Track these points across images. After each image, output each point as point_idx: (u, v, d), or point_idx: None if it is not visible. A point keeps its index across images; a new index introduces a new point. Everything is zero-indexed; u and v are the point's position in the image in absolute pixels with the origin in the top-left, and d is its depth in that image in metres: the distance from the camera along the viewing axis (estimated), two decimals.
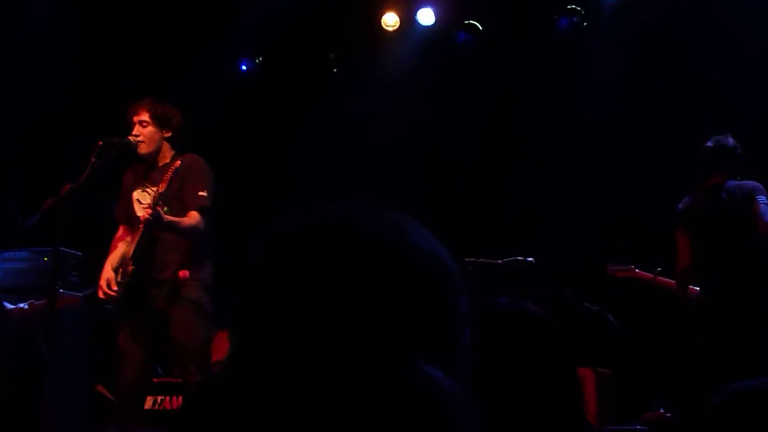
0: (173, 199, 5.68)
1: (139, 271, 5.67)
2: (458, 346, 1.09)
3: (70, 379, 7.30)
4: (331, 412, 0.96)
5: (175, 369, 6.08)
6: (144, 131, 5.84)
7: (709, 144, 6.06)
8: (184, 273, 5.70)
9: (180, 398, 6.87)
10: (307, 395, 0.97)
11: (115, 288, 5.72)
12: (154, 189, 5.74)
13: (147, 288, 5.70)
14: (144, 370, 5.80)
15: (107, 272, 5.80)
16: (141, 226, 5.60)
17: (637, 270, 6.93)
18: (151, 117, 5.85)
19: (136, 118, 5.85)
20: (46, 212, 5.36)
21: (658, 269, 6.73)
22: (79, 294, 7.06)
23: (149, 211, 5.45)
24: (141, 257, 5.69)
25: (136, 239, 5.70)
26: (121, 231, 6.03)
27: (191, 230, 5.70)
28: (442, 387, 0.98)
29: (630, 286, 7.04)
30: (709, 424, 1.82)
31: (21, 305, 7.16)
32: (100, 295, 5.79)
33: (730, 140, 6.06)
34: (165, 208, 5.49)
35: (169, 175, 5.65)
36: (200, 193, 5.74)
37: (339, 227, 1.08)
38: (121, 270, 5.78)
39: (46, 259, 7.73)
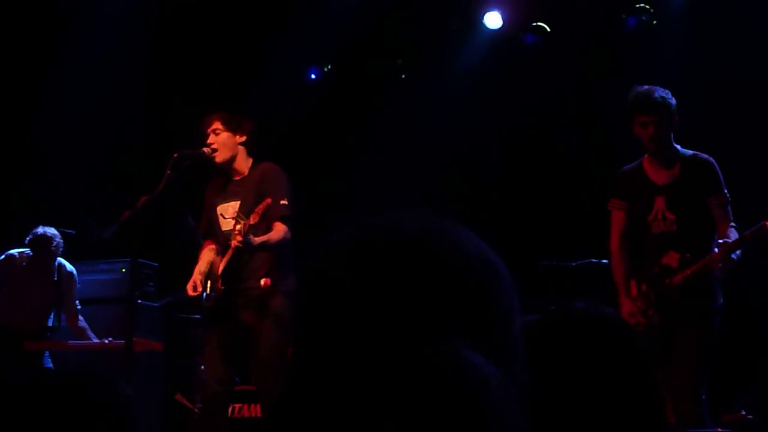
0: (253, 210, 5.72)
1: (228, 287, 5.75)
2: (506, 343, 1.15)
3: (147, 389, 7.40)
4: (382, 400, 1.02)
5: (252, 377, 6.13)
6: (218, 139, 5.91)
7: None
8: (266, 281, 5.74)
9: (257, 407, 6.93)
10: (361, 386, 1.04)
11: (200, 290, 5.82)
12: (237, 203, 5.84)
13: (234, 300, 5.77)
14: (226, 378, 5.86)
15: (195, 275, 5.91)
16: (231, 243, 5.61)
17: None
18: (223, 123, 5.92)
19: (209, 129, 5.92)
20: (123, 224, 5.44)
21: None
22: (159, 340, 7.16)
23: (239, 237, 5.49)
24: (230, 275, 5.76)
25: (227, 257, 5.75)
26: (206, 245, 6.10)
27: (280, 243, 5.75)
28: (483, 370, 1.03)
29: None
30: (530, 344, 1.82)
31: (104, 341, 7.30)
32: (189, 294, 5.88)
33: None
34: (249, 230, 5.54)
35: (253, 188, 5.77)
36: (282, 202, 5.77)
37: (386, 233, 1.16)
38: (209, 282, 5.86)
39: (123, 270, 7.88)
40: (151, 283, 8.15)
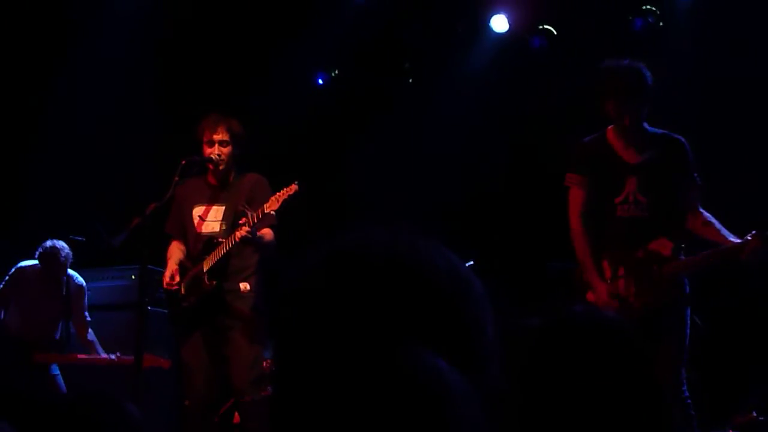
0: (239, 216, 5.75)
1: (218, 284, 5.77)
2: (476, 352, 1.19)
3: (157, 393, 7.41)
4: (353, 406, 1.07)
5: (232, 379, 6.13)
6: (225, 151, 5.90)
7: None
8: (244, 285, 5.79)
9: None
10: (333, 391, 1.10)
11: (178, 279, 5.83)
12: (222, 207, 5.86)
13: (218, 298, 5.79)
14: (212, 380, 5.87)
15: (170, 267, 5.97)
16: (237, 234, 5.60)
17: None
18: (230, 137, 5.92)
19: (216, 137, 5.89)
20: (133, 231, 5.46)
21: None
22: (168, 358, 7.16)
23: (247, 228, 5.51)
24: (218, 272, 5.77)
25: (214, 254, 5.76)
26: (174, 245, 6.12)
27: (271, 246, 5.83)
28: (445, 374, 1.08)
29: (713, 281, 6.91)
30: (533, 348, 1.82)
31: (110, 356, 7.31)
32: (165, 283, 5.91)
33: None
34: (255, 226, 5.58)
35: (242, 196, 5.79)
36: (271, 213, 5.81)
37: (356, 251, 1.22)
38: (182, 284, 5.89)
39: (133, 276, 7.89)
40: (160, 290, 8.16)
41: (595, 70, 5.26)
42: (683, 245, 5.16)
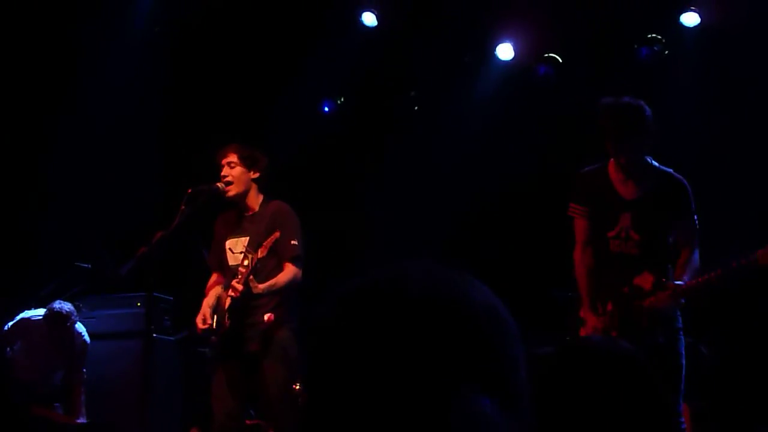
0: (264, 245, 5.76)
1: (235, 321, 5.77)
2: (514, 389, 1.18)
3: (164, 421, 7.40)
4: None
5: (261, 413, 6.15)
6: (232, 172, 5.95)
7: None
8: (269, 317, 5.78)
9: None
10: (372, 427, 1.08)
11: (210, 322, 5.84)
12: (246, 238, 5.87)
13: (241, 334, 5.78)
14: (237, 412, 5.88)
15: (203, 308, 5.93)
16: (230, 293, 5.67)
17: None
18: (239, 158, 5.97)
19: (224, 161, 5.97)
20: (139, 259, 5.47)
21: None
22: (176, 374, 7.15)
23: (239, 287, 5.56)
24: (237, 309, 5.78)
25: (233, 293, 5.77)
26: (214, 277, 6.15)
27: (289, 286, 5.82)
28: (488, 413, 1.08)
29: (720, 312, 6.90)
30: (544, 375, 1.82)
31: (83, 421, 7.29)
32: (199, 328, 5.91)
33: None
34: (252, 271, 5.60)
35: (265, 223, 5.80)
36: (292, 242, 5.84)
37: (392, 287, 1.19)
38: (216, 316, 5.89)
39: (139, 304, 7.89)
40: (167, 317, 8.17)
41: (596, 106, 5.18)
42: (664, 280, 5.07)
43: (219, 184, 5.90)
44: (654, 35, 8.54)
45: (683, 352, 5.14)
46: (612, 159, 5.29)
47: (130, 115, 8.83)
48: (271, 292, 5.75)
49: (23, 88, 8.88)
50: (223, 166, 5.97)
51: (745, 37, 8.11)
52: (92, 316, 8.12)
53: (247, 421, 6.78)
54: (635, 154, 5.12)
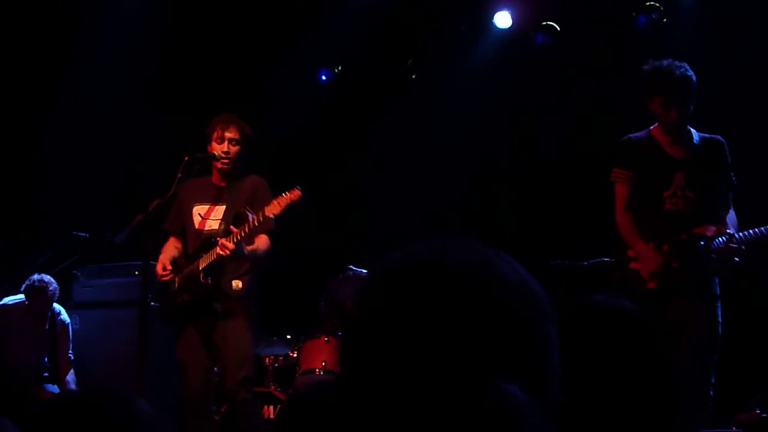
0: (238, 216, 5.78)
1: (213, 283, 5.78)
2: (545, 372, 1.18)
3: (161, 388, 7.42)
4: (421, 425, 1.07)
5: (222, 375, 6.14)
6: (233, 150, 5.92)
7: None
8: (237, 283, 5.80)
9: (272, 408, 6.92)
10: (402, 411, 1.09)
11: (170, 268, 5.87)
12: (223, 207, 5.89)
13: (212, 296, 5.81)
14: (207, 377, 5.90)
15: (162, 259, 5.99)
16: (218, 250, 5.63)
17: None
18: (241, 137, 5.93)
19: (227, 134, 5.91)
20: (135, 227, 5.47)
21: None
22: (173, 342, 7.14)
23: (230, 245, 5.55)
24: (213, 270, 5.79)
25: (211, 254, 5.75)
26: (171, 241, 6.14)
27: (266, 255, 5.85)
28: (518, 401, 1.07)
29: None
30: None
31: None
32: (159, 274, 5.93)
33: None
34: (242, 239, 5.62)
35: (243, 197, 5.83)
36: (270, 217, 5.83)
37: (433, 264, 1.19)
38: (176, 280, 5.92)
39: (136, 273, 7.89)
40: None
41: (639, 72, 5.39)
42: (726, 228, 5.28)
43: (221, 153, 5.86)
44: (652, 3, 8.50)
45: (720, 321, 5.28)
46: (655, 126, 5.45)
47: (126, 84, 8.80)
48: (254, 257, 5.76)
49: (19, 57, 8.85)
50: (225, 139, 5.91)
51: (743, 4, 8.07)
52: (90, 285, 8.13)
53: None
54: (682, 111, 5.29)
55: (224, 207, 5.92)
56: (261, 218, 5.46)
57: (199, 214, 5.99)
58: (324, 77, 9.94)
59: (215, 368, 6.02)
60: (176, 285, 5.92)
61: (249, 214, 5.52)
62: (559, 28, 8.93)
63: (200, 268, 5.79)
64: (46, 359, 7.51)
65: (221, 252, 5.57)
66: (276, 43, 9.27)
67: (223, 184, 6.01)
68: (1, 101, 8.82)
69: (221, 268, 5.80)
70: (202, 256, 5.81)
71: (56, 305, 7.51)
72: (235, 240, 5.55)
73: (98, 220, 7.47)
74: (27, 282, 7.29)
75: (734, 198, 5.45)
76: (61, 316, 7.56)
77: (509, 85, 9.23)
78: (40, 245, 7.86)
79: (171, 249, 6.07)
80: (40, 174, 8.88)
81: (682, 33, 8.39)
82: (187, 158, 5.73)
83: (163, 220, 6.01)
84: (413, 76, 9.74)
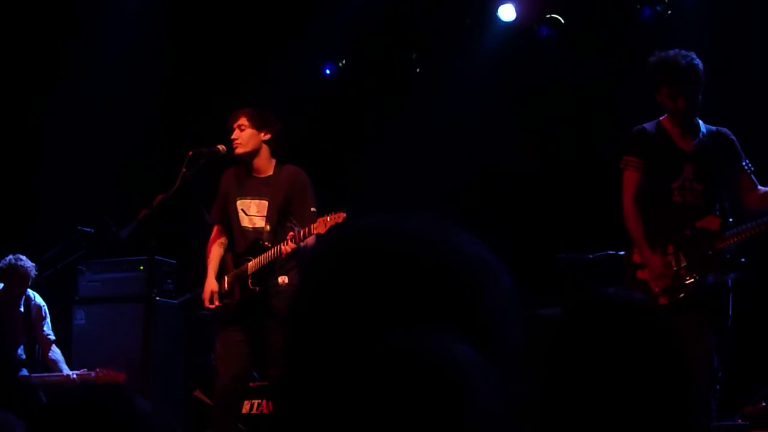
0: (281, 212, 5.83)
1: (263, 287, 5.81)
2: (498, 344, 1.16)
3: (167, 384, 7.42)
4: (365, 387, 1.05)
5: (267, 373, 6.18)
6: (242, 134, 5.97)
7: None
8: (283, 279, 5.81)
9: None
10: (347, 379, 1.07)
11: (218, 303, 5.87)
12: (264, 202, 5.93)
13: (261, 298, 5.83)
14: (243, 374, 5.90)
15: (211, 284, 5.94)
16: (283, 248, 5.67)
17: None
18: (248, 119, 5.98)
19: (235, 125, 5.98)
20: (140, 222, 5.47)
21: None
22: (178, 336, 7.14)
23: (293, 245, 5.60)
24: (262, 275, 5.81)
25: (262, 257, 5.79)
26: (215, 232, 6.14)
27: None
28: (463, 356, 1.06)
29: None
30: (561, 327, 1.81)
31: (71, 374, 7.23)
32: (206, 305, 5.94)
33: None
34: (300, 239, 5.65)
35: (283, 189, 5.88)
36: (312, 209, 5.87)
37: (384, 230, 1.19)
38: (225, 279, 5.91)
39: (141, 267, 7.90)
40: (169, 281, 8.18)
41: (646, 64, 5.39)
42: (731, 219, 5.28)
43: (220, 146, 5.89)
44: None
45: (731, 307, 5.29)
46: (664, 117, 5.46)
47: (131, 78, 8.80)
48: (305, 254, 5.79)
49: (23, 50, 8.85)
50: (234, 130, 5.99)
51: None
52: (95, 280, 8.14)
53: (251, 383, 6.80)
54: (691, 101, 5.30)
55: (266, 203, 5.95)
56: (307, 233, 5.54)
57: (242, 210, 6.01)
58: (328, 71, 9.93)
59: (252, 370, 6.07)
60: (226, 286, 5.95)
61: (296, 229, 5.58)
62: (563, 21, 8.91)
63: (248, 273, 5.82)
64: (21, 347, 7.48)
65: (286, 249, 5.61)
66: (280, 38, 9.26)
67: (259, 176, 6.04)
68: (6, 97, 8.83)
69: (269, 270, 5.83)
70: (251, 260, 5.84)
71: (30, 291, 7.48)
72: (298, 240, 5.59)
73: (103, 216, 7.48)
74: (1, 264, 7.26)
75: (757, 180, 5.43)
76: (36, 300, 7.53)
77: (514, 77, 9.21)
78: (45, 240, 7.87)
79: (216, 258, 6.07)
80: (44, 169, 8.88)
81: (686, 25, 8.37)
82: (191, 153, 5.73)
83: (168, 214, 6.00)
84: (417, 70, 9.72)
